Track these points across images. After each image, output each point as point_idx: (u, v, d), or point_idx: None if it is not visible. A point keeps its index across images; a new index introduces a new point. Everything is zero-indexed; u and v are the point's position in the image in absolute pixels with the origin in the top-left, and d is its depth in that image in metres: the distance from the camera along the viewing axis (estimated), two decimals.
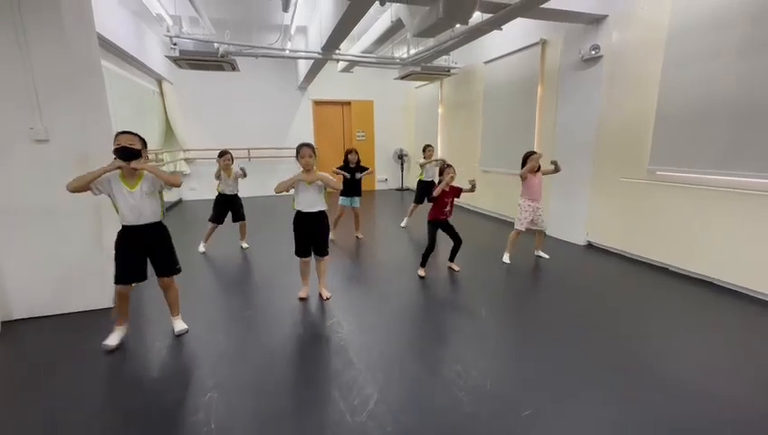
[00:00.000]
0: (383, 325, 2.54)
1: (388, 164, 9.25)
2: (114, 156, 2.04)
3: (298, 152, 2.68)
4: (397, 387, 1.88)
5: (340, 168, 4.40)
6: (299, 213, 2.76)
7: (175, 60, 4.58)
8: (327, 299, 2.90)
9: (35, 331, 2.49)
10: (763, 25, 2.74)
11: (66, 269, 2.65)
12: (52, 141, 2.49)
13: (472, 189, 3.26)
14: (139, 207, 2.13)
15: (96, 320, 2.60)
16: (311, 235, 2.80)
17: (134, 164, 2.06)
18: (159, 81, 6.80)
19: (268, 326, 2.53)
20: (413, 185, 8.94)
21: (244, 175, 4.14)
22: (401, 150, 9.02)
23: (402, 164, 9.09)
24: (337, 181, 2.75)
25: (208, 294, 3.11)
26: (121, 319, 2.31)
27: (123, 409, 1.76)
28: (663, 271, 3.51)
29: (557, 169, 3.65)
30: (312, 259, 2.87)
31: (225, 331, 2.47)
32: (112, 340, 2.23)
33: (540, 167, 3.67)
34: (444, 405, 1.75)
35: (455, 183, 3.30)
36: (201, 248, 4.15)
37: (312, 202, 2.72)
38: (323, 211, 2.79)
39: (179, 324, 2.42)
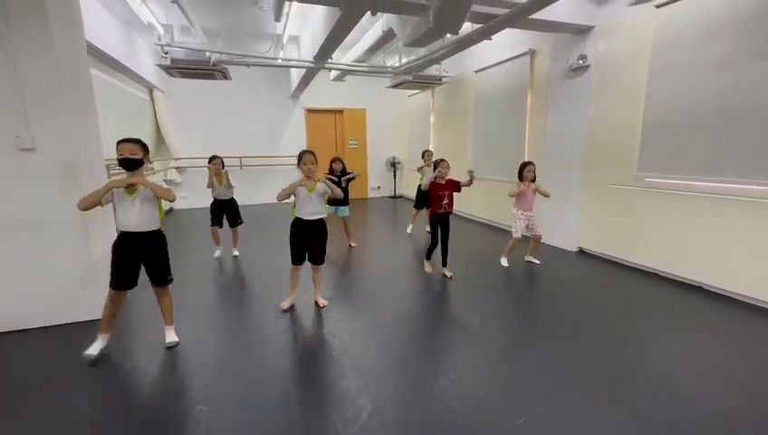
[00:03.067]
0: (377, 334, 2.52)
1: (381, 172, 9.27)
2: (118, 166, 2.08)
3: (300, 159, 2.68)
4: (390, 397, 1.86)
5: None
6: (298, 219, 2.73)
7: (166, 68, 4.57)
8: (323, 307, 2.88)
9: (20, 344, 2.42)
10: (744, 39, 2.83)
11: (52, 281, 2.59)
12: (39, 150, 2.44)
13: (470, 182, 3.34)
14: (139, 214, 2.12)
15: (83, 332, 2.53)
16: (308, 242, 2.78)
17: (131, 179, 2.06)
18: (150, 89, 6.76)
19: (259, 336, 2.49)
20: (406, 192, 9.04)
21: (231, 186, 4.10)
22: (394, 158, 9.06)
23: (395, 172, 9.11)
24: (337, 188, 2.70)
25: (199, 303, 3.06)
26: (107, 326, 2.24)
27: (110, 422, 1.71)
28: (653, 276, 3.55)
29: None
30: (307, 268, 2.84)
31: (216, 341, 2.43)
32: (93, 349, 2.16)
33: (535, 178, 3.75)
34: (438, 414, 1.73)
35: (451, 177, 3.38)
36: (216, 254, 4.19)
37: (312, 210, 2.71)
38: (323, 219, 2.78)
39: (170, 336, 2.37)
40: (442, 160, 3.40)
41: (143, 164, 2.14)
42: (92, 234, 2.68)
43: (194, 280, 3.62)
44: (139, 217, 2.12)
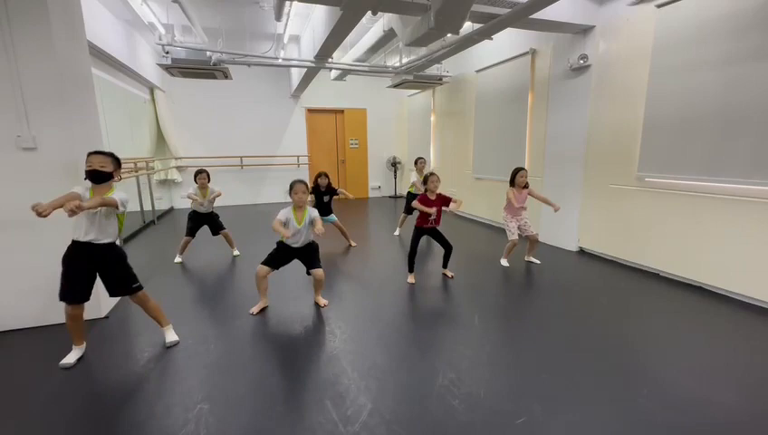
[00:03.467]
0: (376, 333, 2.52)
1: (382, 172, 9.28)
2: (85, 177, 2.02)
3: (291, 188, 2.70)
4: (390, 396, 1.86)
5: (311, 190, 4.38)
6: (284, 244, 2.75)
7: (167, 68, 4.57)
8: (324, 307, 2.90)
9: (12, 344, 2.42)
10: (744, 38, 2.83)
11: (46, 281, 2.58)
12: (40, 150, 2.45)
13: (456, 207, 3.27)
14: (98, 225, 2.05)
15: (87, 331, 2.53)
16: (295, 256, 2.82)
17: (83, 204, 1.82)
18: (151, 89, 6.78)
19: (259, 335, 2.49)
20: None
21: (217, 196, 4.06)
22: (394, 158, 9.06)
23: (395, 172, 9.12)
24: (320, 226, 2.63)
25: (198, 303, 3.06)
26: (77, 339, 2.20)
27: (109, 421, 1.71)
28: (654, 276, 3.55)
29: (556, 208, 3.64)
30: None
31: (215, 340, 2.43)
32: (70, 358, 2.14)
33: (527, 184, 3.75)
34: (438, 414, 1.73)
35: (441, 191, 3.34)
36: (177, 259, 4.07)
37: (302, 239, 2.75)
38: (311, 242, 2.82)
39: (170, 335, 2.37)
40: (432, 174, 3.29)
41: (112, 178, 2.09)
42: None
43: (193, 279, 3.62)
44: (97, 229, 2.05)
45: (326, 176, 4.45)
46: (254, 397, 1.86)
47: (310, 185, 4.33)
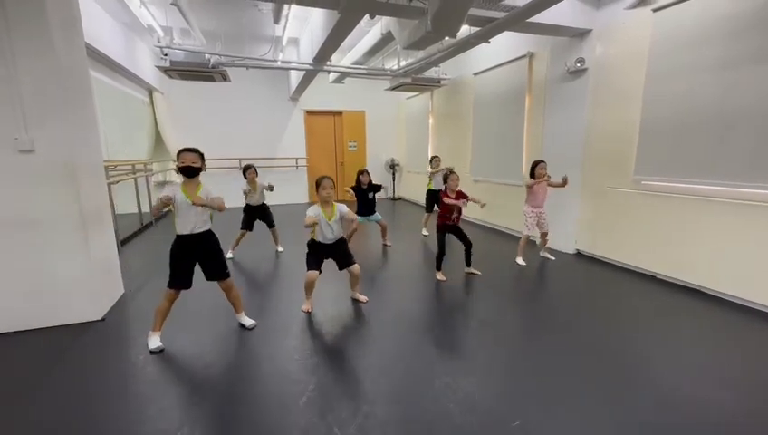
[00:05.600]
0: (374, 336, 2.52)
1: (380, 174, 9.28)
2: (178, 173, 2.26)
3: (318, 184, 2.72)
4: (386, 399, 1.86)
5: (353, 188, 4.40)
6: (316, 241, 2.78)
7: (165, 70, 4.58)
8: (365, 302, 2.99)
9: (17, 345, 2.42)
10: (741, 41, 2.84)
11: (50, 282, 2.59)
12: (37, 152, 2.45)
13: (478, 204, 3.42)
14: (196, 216, 2.27)
15: (82, 334, 2.54)
16: (329, 255, 2.85)
17: (196, 201, 2.19)
18: (150, 91, 6.78)
19: (256, 335, 2.49)
20: (406, 194, 9.05)
21: (271, 189, 4.25)
22: (393, 160, 9.08)
23: (394, 174, 9.13)
24: (353, 215, 2.78)
25: (197, 305, 3.06)
26: (159, 325, 2.35)
27: (104, 423, 1.71)
28: (651, 279, 3.55)
29: (565, 183, 3.81)
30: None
31: (211, 344, 2.42)
32: (154, 343, 2.30)
33: (549, 176, 3.85)
34: (433, 417, 1.73)
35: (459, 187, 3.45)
36: (229, 254, 4.23)
37: (332, 236, 2.78)
38: (342, 237, 2.86)
39: (246, 320, 2.59)
40: (452, 172, 3.41)
41: (201, 171, 2.31)
42: (91, 235, 2.69)
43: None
44: (195, 220, 2.28)
45: (367, 173, 4.42)
46: (247, 397, 1.86)
47: (347, 188, 4.40)
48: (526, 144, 5.05)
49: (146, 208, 5.98)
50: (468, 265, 3.63)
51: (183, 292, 2.34)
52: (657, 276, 3.55)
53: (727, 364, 2.17)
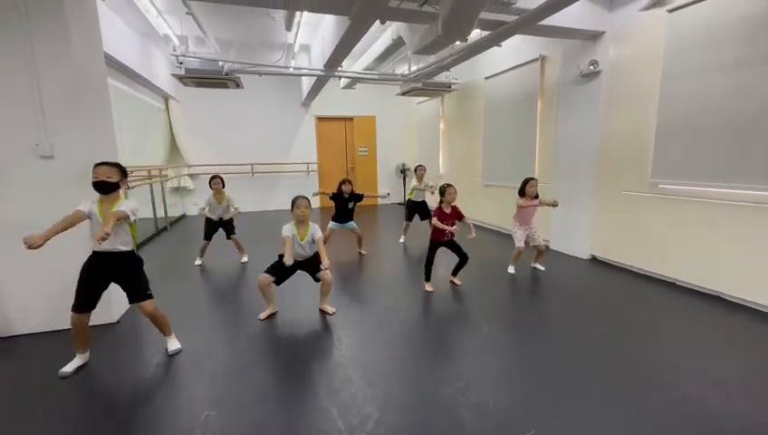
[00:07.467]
0: (383, 341, 2.50)
1: (391, 179, 9.29)
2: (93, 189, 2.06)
3: (293, 204, 2.68)
4: (397, 406, 1.84)
5: (333, 196, 4.41)
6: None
7: (181, 78, 4.68)
8: (332, 314, 2.88)
9: (35, 346, 2.47)
10: (758, 41, 2.77)
11: (68, 285, 2.63)
12: (57, 158, 2.52)
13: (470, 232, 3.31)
14: (113, 236, 2.06)
15: (97, 336, 2.57)
16: (300, 269, 2.80)
17: (108, 230, 1.85)
18: (166, 98, 6.94)
19: (266, 343, 2.49)
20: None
21: (237, 212, 4.21)
22: (403, 165, 9.07)
23: (404, 178, 9.12)
24: (321, 242, 2.72)
25: (205, 309, 3.08)
26: (81, 347, 2.22)
27: (117, 427, 1.73)
28: (670, 285, 3.45)
29: (555, 205, 3.74)
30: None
31: (222, 347, 2.44)
32: (70, 366, 2.15)
33: (538, 194, 3.68)
34: (445, 424, 1.70)
35: (456, 203, 3.27)
36: (197, 262, 4.24)
37: (305, 253, 2.76)
38: (316, 252, 2.78)
39: (173, 344, 2.37)
40: (449, 186, 3.23)
41: (119, 188, 2.12)
42: None
43: (201, 285, 3.65)
44: (111, 238, 2.04)
45: (349, 183, 4.44)
46: (260, 404, 1.86)
47: (329, 192, 4.41)
48: (538, 148, 4.99)
49: (161, 213, 6.09)
50: (455, 274, 3.50)
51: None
52: (678, 283, 3.45)
53: (753, 374, 2.08)
